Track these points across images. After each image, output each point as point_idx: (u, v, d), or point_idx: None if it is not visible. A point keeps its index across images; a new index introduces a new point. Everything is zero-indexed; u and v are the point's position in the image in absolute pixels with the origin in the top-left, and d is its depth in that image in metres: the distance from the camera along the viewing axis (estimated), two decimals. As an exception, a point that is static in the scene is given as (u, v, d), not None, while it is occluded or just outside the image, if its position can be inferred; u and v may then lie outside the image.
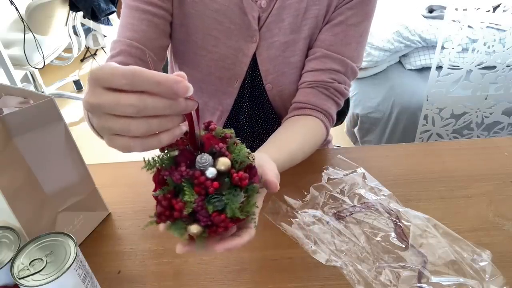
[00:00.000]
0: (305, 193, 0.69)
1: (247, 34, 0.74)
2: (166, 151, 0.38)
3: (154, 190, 0.38)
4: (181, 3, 0.72)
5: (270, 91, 0.80)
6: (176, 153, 0.38)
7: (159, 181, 0.38)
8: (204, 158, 0.36)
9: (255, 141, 0.92)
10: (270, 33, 0.74)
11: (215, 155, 0.37)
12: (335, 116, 0.78)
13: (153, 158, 0.39)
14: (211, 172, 0.36)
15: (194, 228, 0.37)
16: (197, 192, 0.36)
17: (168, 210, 0.36)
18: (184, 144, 0.38)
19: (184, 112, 0.34)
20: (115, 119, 0.33)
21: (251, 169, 0.39)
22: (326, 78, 0.75)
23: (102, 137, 0.56)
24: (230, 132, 0.40)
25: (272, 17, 0.73)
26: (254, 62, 0.77)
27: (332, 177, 0.72)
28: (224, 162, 0.37)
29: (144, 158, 0.39)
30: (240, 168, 0.38)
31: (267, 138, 0.91)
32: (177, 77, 0.32)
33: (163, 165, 0.38)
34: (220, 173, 0.37)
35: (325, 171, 0.73)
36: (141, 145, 0.34)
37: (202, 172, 0.36)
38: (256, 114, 0.86)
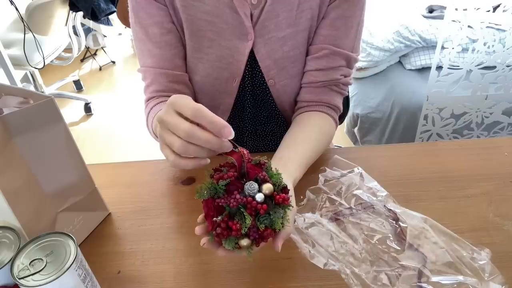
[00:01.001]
0: (301, 196, 0.69)
1: (241, 32, 0.74)
2: (219, 181, 0.46)
3: (209, 214, 0.46)
4: (175, 11, 0.73)
5: (272, 86, 0.80)
6: (226, 183, 0.46)
7: (216, 207, 0.46)
8: (252, 186, 0.45)
9: (259, 140, 0.92)
10: (266, 30, 0.74)
11: (258, 182, 0.46)
12: (342, 107, 0.83)
13: (204, 188, 0.47)
14: (259, 197, 0.45)
15: (245, 242, 0.45)
16: (249, 213, 0.44)
17: (226, 231, 0.45)
18: (232, 176, 0.46)
19: (219, 151, 0.45)
20: (170, 135, 0.45)
21: (285, 190, 0.48)
22: (337, 76, 0.78)
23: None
24: (264, 159, 0.49)
25: (266, 14, 0.73)
26: (253, 60, 0.78)
27: (329, 179, 0.72)
28: (268, 187, 0.46)
29: (196, 188, 0.48)
30: (278, 190, 0.47)
31: (271, 137, 0.93)
32: (226, 122, 0.43)
33: (217, 194, 0.46)
34: (265, 197, 0.45)
35: (321, 173, 0.73)
36: (174, 160, 0.47)
37: (253, 198, 0.45)
38: (259, 113, 0.87)
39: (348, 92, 0.86)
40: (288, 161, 0.64)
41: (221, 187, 0.46)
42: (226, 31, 0.74)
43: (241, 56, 0.76)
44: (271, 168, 0.49)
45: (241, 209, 0.44)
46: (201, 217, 0.50)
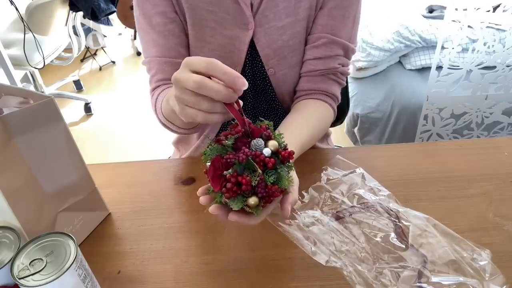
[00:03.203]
0: (304, 193, 0.69)
1: (242, 22, 0.75)
2: (226, 139, 0.46)
3: (216, 173, 0.46)
4: (178, 1, 0.74)
5: (272, 75, 0.81)
6: (234, 137, 0.47)
7: (224, 164, 0.46)
8: (259, 141, 0.46)
9: None
10: (266, 19, 0.75)
11: (263, 139, 0.47)
12: (340, 97, 0.85)
13: (210, 148, 0.47)
14: (267, 151, 0.46)
15: (252, 200, 0.45)
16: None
17: (236, 186, 0.45)
18: (239, 131, 0.47)
19: (227, 101, 0.44)
20: (185, 92, 0.45)
21: (286, 149, 0.48)
22: (335, 64, 0.79)
23: (166, 126, 0.75)
24: (267, 123, 0.50)
25: (265, 3, 0.74)
26: (253, 49, 0.78)
27: (331, 178, 0.72)
28: (273, 144, 0.47)
29: (202, 151, 0.48)
30: (283, 148, 0.48)
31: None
32: (239, 73, 0.43)
33: (225, 152, 0.47)
34: (271, 153, 0.46)
35: (324, 171, 0.73)
36: (205, 117, 0.46)
37: (260, 152, 0.45)
38: (259, 104, 0.87)
39: (346, 83, 0.87)
40: None
41: (229, 144, 0.46)
42: (227, 20, 0.75)
43: (242, 45, 0.77)
44: (273, 130, 0.49)
45: (251, 161, 0.44)
46: (202, 188, 0.50)
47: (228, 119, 0.47)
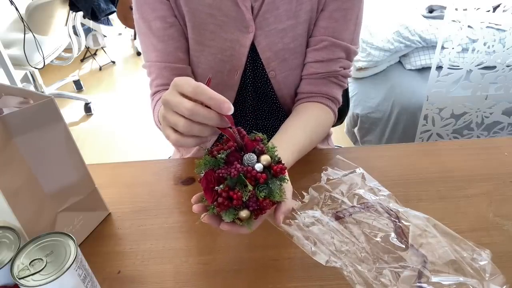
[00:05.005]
0: (304, 193, 0.69)
1: (242, 25, 0.75)
2: (219, 154, 0.47)
3: (209, 187, 0.47)
4: (177, 5, 0.74)
5: (273, 78, 0.81)
6: (226, 153, 0.47)
7: (216, 178, 0.47)
8: (251, 157, 0.47)
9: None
10: (266, 22, 0.75)
11: (256, 154, 0.47)
12: (341, 99, 0.84)
13: (203, 162, 0.48)
14: (259, 166, 0.46)
15: (244, 213, 0.46)
16: (249, 183, 0.45)
17: (227, 201, 0.45)
18: (232, 146, 0.47)
19: (219, 126, 0.45)
20: (174, 115, 0.46)
21: (280, 163, 0.49)
22: (336, 67, 0.79)
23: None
24: (260, 135, 0.50)
25: (266, 6, 0.73)
26: (254, 52, 0.78)
27: (331, 178, 0.72)
28: (265, 159, 0.47)
29: (196, 162, 0.49)
30: (275, 162, 0.48)
31: (272, 132, 0.95)
32: (225, 98, 0.44)
33: (218, 166, 0.47)
34: (263, 167, 0.47)
35: (324, 171, 0.73)
36: (177, 139, 0.48)
37: (252, 167, 0.46)
38: (260, 106, 0.87)
39: (347, 85, 0.87)
40: (282, 146, 0.64)
41: (221, 158, 0.47)
42: (227, 23, 0.74)
43: (242, 48, 0.77)
44: (267, 143, 0.50)
45: (242, 177, 0.45)
46: (195, 196, 0.51)
47: (202, 143, 0.48)
